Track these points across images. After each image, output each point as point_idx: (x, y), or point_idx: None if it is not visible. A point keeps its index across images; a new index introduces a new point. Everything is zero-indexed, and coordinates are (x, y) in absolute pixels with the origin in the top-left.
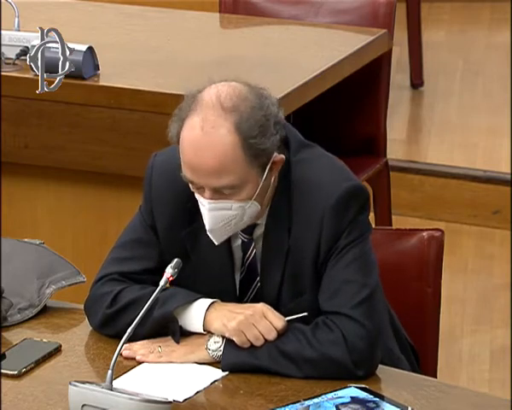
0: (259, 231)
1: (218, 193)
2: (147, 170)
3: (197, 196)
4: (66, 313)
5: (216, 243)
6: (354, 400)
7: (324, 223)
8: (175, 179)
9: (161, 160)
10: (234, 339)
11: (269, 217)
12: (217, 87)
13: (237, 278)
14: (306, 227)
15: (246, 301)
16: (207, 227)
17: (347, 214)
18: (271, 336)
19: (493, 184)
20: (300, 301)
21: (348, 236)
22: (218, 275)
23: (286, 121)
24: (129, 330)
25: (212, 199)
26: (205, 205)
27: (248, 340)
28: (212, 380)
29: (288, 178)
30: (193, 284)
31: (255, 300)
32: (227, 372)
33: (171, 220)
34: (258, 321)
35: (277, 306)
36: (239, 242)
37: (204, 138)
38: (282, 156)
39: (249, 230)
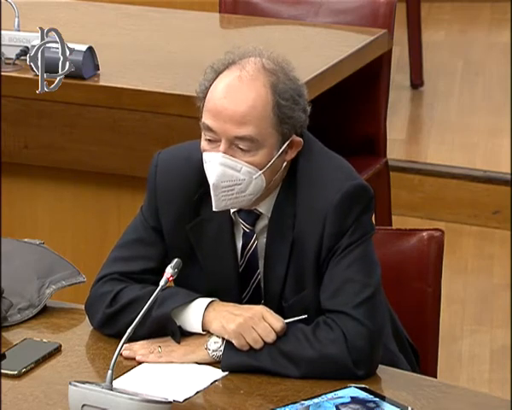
0: (262, 224)
1: (232, 149)
2: (151, 168)
3: (207, 153)
4: (66, 313)
5: (214, 209)
6: (354, 400)
7: (327, 221)
8: (180, 176)
9: (165, 157)
10: (233, 342)
11: (274, 210)
12: (262, 51)
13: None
14: (310, 224)
15: (246, 296)
16: (211, 180)
17: (351, 214)
18: (270, 338)
19: (493, 184)
20: (302, 297)
21: (351, 235)
22: (222, 268)
23: None
24: (129, 331)
25: (225, 153)
26: (216, 158)
27: (247, 343)
28: (212, 380)
29: (295, 173)
30: (197, 280)
31: (256, 294)
32: (227, 372)
33: (177, 217)
34: (257, 324)
35: (280, 300)
36: (241, 233)
37: (239, 84)
38: (300, 140)
39: (252, 220)
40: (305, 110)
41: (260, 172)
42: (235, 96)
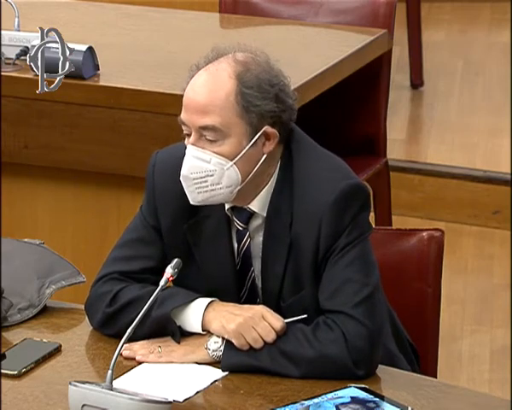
0: (256, 223)
1: (201, 140)
2: (149, 167)
3: (187, 147)
4: (66, 313)
5: (191, 202)
6: (354, 400)
7: (323, 221)
8: (177, 175)
9: (163, 157)
10: (233, 341)
11: (269, 209)
12: (240, 46)
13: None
14: (306, 223)
15: (244, 295)
16: (181, 172)
17: (347, 213)
18: (270, 338)
19: (493, 184)
20: (300, 297)
21: (349, 235)
22: (219, 267)
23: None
24: (129, 330)
25: (194, 145)
26: (189, 151)
27: (248, 342)
28: (212, 380)
29: (290, 172)
30: (196, 279)
31: (252, 293)
32: (227, 372)
33: (175, 216)
34: (257, 323)
35: (278, 300)
36: (235, 231)
37: (205, 76)
38: (275, 131)
39: (244, 218)
40: (281, 100)
41: (231, 162)
42: (200, 88)
